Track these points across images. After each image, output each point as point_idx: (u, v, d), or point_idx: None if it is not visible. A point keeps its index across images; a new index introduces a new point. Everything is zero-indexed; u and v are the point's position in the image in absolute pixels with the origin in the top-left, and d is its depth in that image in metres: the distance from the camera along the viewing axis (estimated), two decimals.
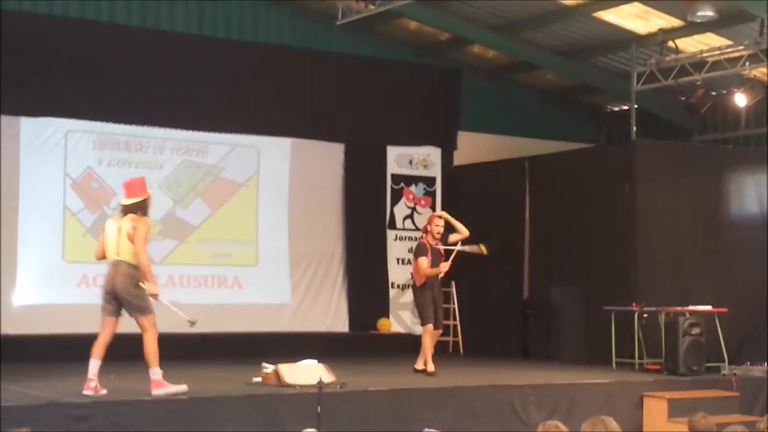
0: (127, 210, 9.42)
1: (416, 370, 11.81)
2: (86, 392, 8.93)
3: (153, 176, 14.54)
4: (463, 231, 11.89)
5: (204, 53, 14.69)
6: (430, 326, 11.71)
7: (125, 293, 9.18)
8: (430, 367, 11.69)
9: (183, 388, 9.28)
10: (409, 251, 16.27)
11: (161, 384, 9.17)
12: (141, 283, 9.24)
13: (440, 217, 11.98)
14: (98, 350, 9.15)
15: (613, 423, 6.85)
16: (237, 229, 15.26)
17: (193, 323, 9.70)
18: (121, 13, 14.45)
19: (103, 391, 9.06)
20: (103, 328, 9.30)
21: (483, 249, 11.96)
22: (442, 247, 11.76)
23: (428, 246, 11.75)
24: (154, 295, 9.33)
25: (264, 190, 15.48)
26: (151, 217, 9.70)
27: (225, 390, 9.72)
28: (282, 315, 15.36)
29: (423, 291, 11.76)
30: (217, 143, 15.12)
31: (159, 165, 14.71)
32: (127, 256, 9.23)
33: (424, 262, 11.67)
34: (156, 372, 9.21)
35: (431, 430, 6.58)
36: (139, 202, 9.45)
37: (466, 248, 11.86)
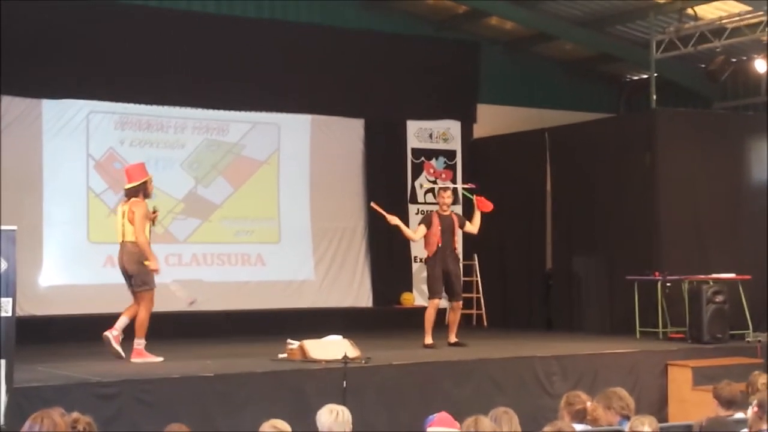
0: (128, 194, 10.27)
1: (450, 344, 11.93)
2: (107, 333, 9.98)
3: (174, 155, 14.69)
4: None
5: (223, 32, 14.69)
6: (436, 301, 11.91)
7: (131, 269, 10.10)
8: (428, 340, 11.81)
9: (159, 359, 10.08)
10: None
11: (142, 354, 10.00)
12: (145, 261, 10.10)
13: (446, 189, 12.20)
14: (130, 312, 10.18)
15: (624, 393, 6.94)
16: (259, 207, 15.33)
17: (192, 302, 11.06)
18: None
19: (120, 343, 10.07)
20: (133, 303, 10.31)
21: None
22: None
23: (435, 216, 11.94)
24: (155, 271, 10.19)
25: (285, 167, 15.53)
26: (153, 198, 10.52)
27: (251, 366, 9.79)
28: (306, 291, 15.42)
29: (434, 263, 11.91)
30: (237, 121, 15.17)
31: (180, 144, 14.79)
32: (129, 237, 10.11)
33: (418, 229, 12.02)
34: (140, 343, 10.03)
35: (438, 415, 6.54)
36: (139, 185, 10.23)
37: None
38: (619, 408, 6.80)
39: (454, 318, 12.16)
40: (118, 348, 10.01)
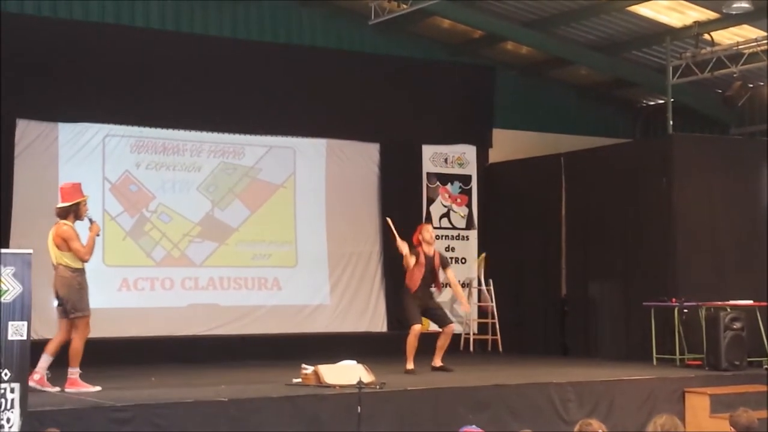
0: (59, 214, 9.73)
1: (433, 368, 11.94)
2: (31, 384, 8.84)
3: (191, 178, 14.70)
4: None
5: (238, 56, 14.75)
6: (417, 327, 11.87)
7: (63, 294, 9.58)
8: (409, 365, 11.79)
9: (96, 388, 9.58)
10: (446, 250, 16.28)
11: (76, 383, 9.55)
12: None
13: (430, 224, 12.41)
14: (51, 347, 9.60)
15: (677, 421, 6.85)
16: (276, 231, 15.30)
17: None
18: (156, 17, 14.52)
19: (55, 388, 9.46)
20: (58, 330, 9.74)
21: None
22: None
23: (421, 254, 11.96)
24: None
25: (301, 190, 15.52)
26: (89, 219, 9.90)
27: (265, 391, 9.77)
28: (321, 316, 15.38)
29: (412, 297, 12.00)
30: (253, 145, 15.18)
31: (197, 167, 14.78)
32: (60, 260, 9.58)
33: (411, 258, 11.91)
34: (74, 372, 9.58)
35: (470, 428, 6.56)
36: (70, 206, 9.73)
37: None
38: None
39: (443, 343, 12.08)
40: (51, 389, 9.48)
